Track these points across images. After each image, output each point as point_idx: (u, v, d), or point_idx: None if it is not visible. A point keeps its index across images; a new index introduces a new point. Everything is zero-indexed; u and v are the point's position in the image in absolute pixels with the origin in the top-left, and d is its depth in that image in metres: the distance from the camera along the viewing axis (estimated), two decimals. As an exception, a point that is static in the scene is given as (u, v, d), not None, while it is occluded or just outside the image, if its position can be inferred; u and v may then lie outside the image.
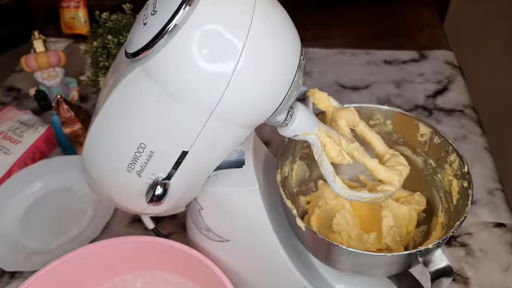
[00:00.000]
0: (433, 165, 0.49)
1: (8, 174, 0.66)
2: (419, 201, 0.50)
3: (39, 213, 0.63)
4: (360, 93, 0.82)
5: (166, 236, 0.57)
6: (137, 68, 0.32)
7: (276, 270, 0.48)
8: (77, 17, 0.96)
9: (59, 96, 0.62)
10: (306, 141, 0.39)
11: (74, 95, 0.79)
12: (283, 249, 0.46)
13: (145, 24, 0.31)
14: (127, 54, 0.33)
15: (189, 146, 0.34)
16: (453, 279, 0.52)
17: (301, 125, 0.38)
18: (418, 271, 0.44)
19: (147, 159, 0.35)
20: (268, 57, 0.32)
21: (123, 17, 0.68)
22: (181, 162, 0.36)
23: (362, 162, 0.42)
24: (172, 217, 0.61)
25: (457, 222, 0.40)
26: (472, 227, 0.59)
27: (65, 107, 0.62)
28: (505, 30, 1.19)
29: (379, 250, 0.47)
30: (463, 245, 0.57)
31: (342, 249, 0.39)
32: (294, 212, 0.42)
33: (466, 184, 0.44)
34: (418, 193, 0.51)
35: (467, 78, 0.84)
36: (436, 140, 0.48)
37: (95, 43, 0.67)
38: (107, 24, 0.67)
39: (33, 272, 0.43)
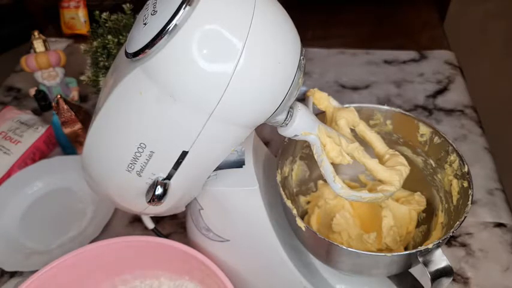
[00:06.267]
0: (433, 165, 0.49)
1: (8, 174, 0.66)
2: (419, 201, 0.50)
3: (39, 213, 0.63)
4: (360, 93, 0.81)
5: (166, 236, 0.57)
6: (137, 68, 0.32)
7: (276, 270, 0.47)
8: (77, 17, 0.96)
9: (59, 96, 0.62)
10: (306, 141, 0.39)
11: (74, 95, 0.79)
12: (283, 249, 0.46)
13: (145, 24, 0.31)
14: (127, 54, 0.33)
15: (189, 146, 0.34)
16: (453, 279, 0.52)
17: (301, 125, 0.38)
18: (418, 271, 0.44)
19: (147, 159, 0.35)
20: (268, 57, 0.32)
21: (123, 17, 0.68)
22: (181, 162, 0.36)
23: (362, 162, 0.42)
24: (172, 217, 0.61)
25: (457, 222, 0.40)
26: (472, 227, 0.59)
27: (65, 107, 0.62)
28: (505, 30, 1.19)
29: (379, 250, 0.47)
30: (463, 245, 0.57)
31: (342, 249, 0.39)
32: (294, 212, 0.42)
33: (466, 184, 0.44)
34: (418, 193, 0.51)
35: (467, 78, 0.84)
36: (436, 140, 0.48)
37: (95, 43, 0.67)
38: (107, 24, 0.67)
39: (33, 272, 0.43)
